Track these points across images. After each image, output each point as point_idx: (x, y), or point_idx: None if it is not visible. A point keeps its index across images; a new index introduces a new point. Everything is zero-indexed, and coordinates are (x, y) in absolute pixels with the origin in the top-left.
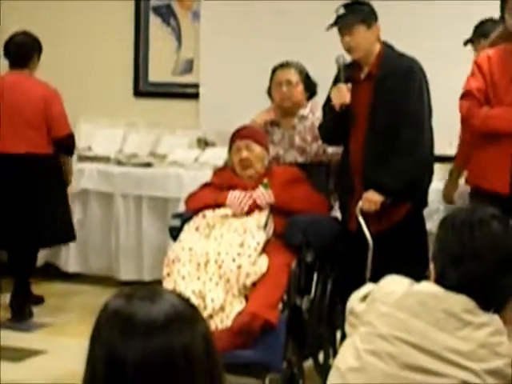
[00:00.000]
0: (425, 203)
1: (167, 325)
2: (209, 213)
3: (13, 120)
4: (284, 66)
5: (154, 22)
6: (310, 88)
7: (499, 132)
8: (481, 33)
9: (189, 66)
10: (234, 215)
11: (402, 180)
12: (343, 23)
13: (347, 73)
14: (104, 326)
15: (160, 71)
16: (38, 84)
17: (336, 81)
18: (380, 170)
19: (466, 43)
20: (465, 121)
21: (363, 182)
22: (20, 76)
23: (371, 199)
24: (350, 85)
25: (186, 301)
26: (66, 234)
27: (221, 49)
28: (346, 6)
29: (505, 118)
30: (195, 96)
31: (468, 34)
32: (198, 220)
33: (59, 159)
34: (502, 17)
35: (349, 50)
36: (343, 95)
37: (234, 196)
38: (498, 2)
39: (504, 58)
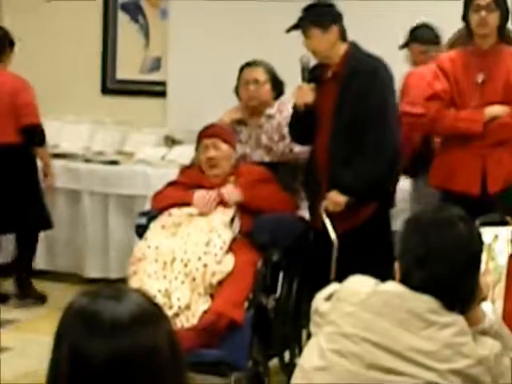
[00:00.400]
0: (392, 203)
1: (132, 324)
2: (175, 211)
3: None
4: (251, 64)
5: (123, 19)
6: (278, 87)
7: (469, 133)
8: (415, 37)
9: (156, 64)
10: (201, 214)
11: (365, 181)
12: (300, 27)
13: (316, 72)
14: (69, 324)
15: (128, 69)
16: (8, 76)
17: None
18: (344, 170)
19: (401, 47)
20: (432, 123)
21: (328, 182)
22: None
23: (334, 200)
24: (312, 84)
25: (151, 300)
26: (40, 222)
27: (189, 47)
28: (304, 8)
29: (473, 119)
30: (163, 94)
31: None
32: (164, 218)
33: (29, 149)
34: (464, 17)
35: (311, 51)
36: (305, 95)
37: (200, 195)
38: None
39: (466, 60)
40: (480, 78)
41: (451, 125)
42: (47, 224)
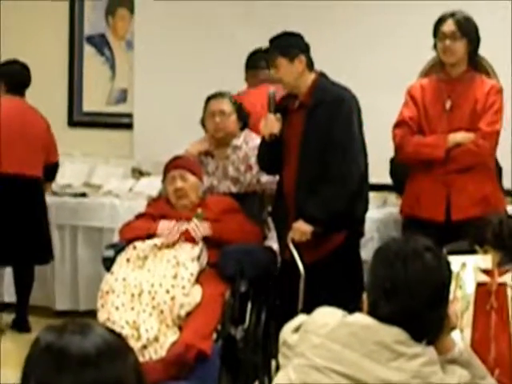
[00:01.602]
0: (361, 233)
1: (99, 358)
2: (139, 244)
3: (28, 143)
4: (217, 96)
5: (88, 51)
6: (243, 118)
7: (430, 159)
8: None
9: (123, 96)
10: (166, 245)
11: (329, 210)
12: (268, 57)
13: (285, 103)
14: (37, 360)
15: (94, 101)
16: (37, 111)
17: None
18: (309, 200)
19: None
20: (398, 149)
21: (295, 212)
22: (24, 102)
23: (300, 229)
24: (279, 115)
25: (115, 333)
26: (48, 254)
27: (155, 78)
28: (271, 39)
29: (436, 145)
30: (129, 126)
31: (405, 62)
32: (129, 251)
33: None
34: (435, 45)
35: (279, 81)
36: (271, 125)
37: (164, 226)
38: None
39: (436, 87)
40: (448, 104)
41: (414, 150)
42: (49, 257)
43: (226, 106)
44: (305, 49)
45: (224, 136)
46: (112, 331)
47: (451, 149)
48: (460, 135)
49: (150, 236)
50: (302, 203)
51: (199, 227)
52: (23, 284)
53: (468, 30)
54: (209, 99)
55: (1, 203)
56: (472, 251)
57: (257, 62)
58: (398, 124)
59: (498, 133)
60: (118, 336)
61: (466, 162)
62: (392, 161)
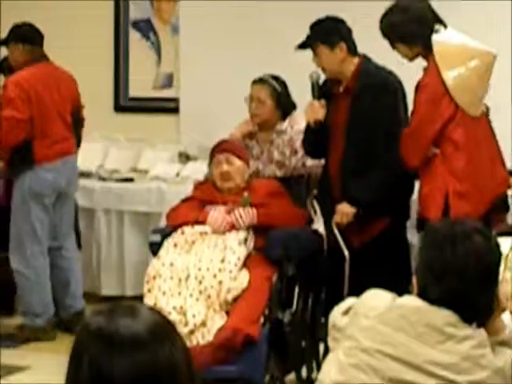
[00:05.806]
0: (407, 216)
1: (151, 339)
2: (188, 229)
3: None
4: (257, 82)
5: (134, 36)
6: (284, 106)
7: None
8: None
9: (169, 81)
10: (214, 232)
11: (374, 192)
12: (308, 45)
13: (326, 87)
14: (88, 344)
15: (140, 86)
16: None
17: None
18: (354, 183)
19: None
20: None
21: (340, 195)
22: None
23: (343, 211)
24: (323, 101)
25: (162, 315)
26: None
27: (200, 62)
28: (311, 25)
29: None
30: (176, 110)
31: None
32: (176, 236)
33: None
34: None
35: (321, 68)
36: (316, 112)
37: (214, 218)
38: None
39: None
40: None
41: None
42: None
43: (263, 93)
44: (346, 34)
45: (260, 122)
46: (161, 314)
47: None
48: None
49: (198, 223)
50: (347, 187)
51: (243, 217)
52: None
53: (393, 35)
54: (252, 83)
55: None
56: None
57: (36, 38)
58: None
59: None
60: (167, 320)
61: None
62: None
